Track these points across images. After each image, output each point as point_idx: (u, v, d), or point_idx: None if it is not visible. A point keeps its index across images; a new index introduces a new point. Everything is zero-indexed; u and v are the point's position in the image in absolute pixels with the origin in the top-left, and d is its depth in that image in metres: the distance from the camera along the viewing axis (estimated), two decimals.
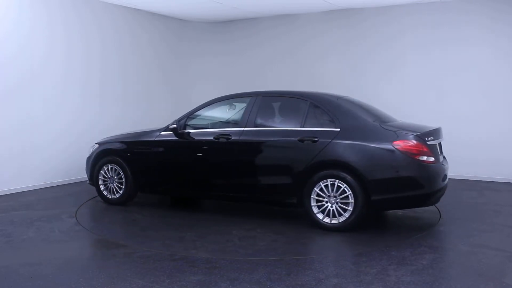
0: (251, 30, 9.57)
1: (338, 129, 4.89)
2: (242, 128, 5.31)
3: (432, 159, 4.73)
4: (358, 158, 4.74)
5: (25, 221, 5.13)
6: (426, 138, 4.78)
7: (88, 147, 6.38)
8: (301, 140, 4.96)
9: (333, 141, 4.84)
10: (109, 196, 5.99)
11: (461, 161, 7.81)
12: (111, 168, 5.93)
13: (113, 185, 5.96)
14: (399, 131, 4.81)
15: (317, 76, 8.88)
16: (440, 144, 5.33)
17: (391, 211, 5.67)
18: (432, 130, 5.06)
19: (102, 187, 6.03)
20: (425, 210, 5.72)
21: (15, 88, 6.58)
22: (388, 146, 4.66)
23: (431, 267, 3.76)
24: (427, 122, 7.90)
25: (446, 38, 7.81)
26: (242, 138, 5.26)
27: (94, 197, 6.32)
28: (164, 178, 5.80)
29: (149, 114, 8.82)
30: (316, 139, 4.90)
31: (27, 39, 6.72)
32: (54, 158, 7.15)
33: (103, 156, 6.00)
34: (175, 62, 9.56)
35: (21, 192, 6.61)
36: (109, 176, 5.96)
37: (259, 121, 5.31)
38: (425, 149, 4.69)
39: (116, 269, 3.75)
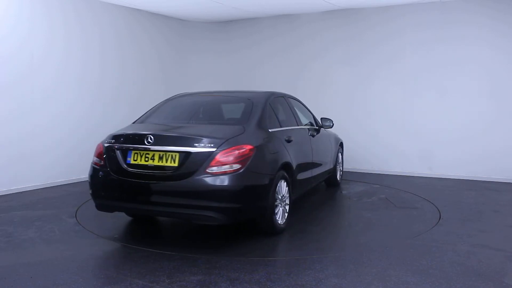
0: (252, 29, 9.57)
1: None
2: None
3: (96, 160, 4.56)
4: None
5: (25, 221, 5.13)
6: (110, 141, 4.49)
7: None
8: None
9: None
10: None
11: (461, 161, 7.83)
12: None
13: None
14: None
15: (317, 76, 8.90)
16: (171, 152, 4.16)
17: (391, 211, 5.68)
18: (126, 133, 4.50)
19: None
20: (425, 210, 5.72)
21: (14, 88, 6.58)
22: None
23: (431, 267, 3.75)
24: (426, 121, 7.98)
25: (446, 38, 7.82)
26: None
27: None
28: None
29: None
30: None
31: (26, 39, 6.71)
32: (54, 158, 7.14)
33: None
34: (176, 61, 9.56)
35: (21, 192, 6.61)
36: None
37: None
38: (98, 152, 4.58)
39: (116, 269, 3.75)
